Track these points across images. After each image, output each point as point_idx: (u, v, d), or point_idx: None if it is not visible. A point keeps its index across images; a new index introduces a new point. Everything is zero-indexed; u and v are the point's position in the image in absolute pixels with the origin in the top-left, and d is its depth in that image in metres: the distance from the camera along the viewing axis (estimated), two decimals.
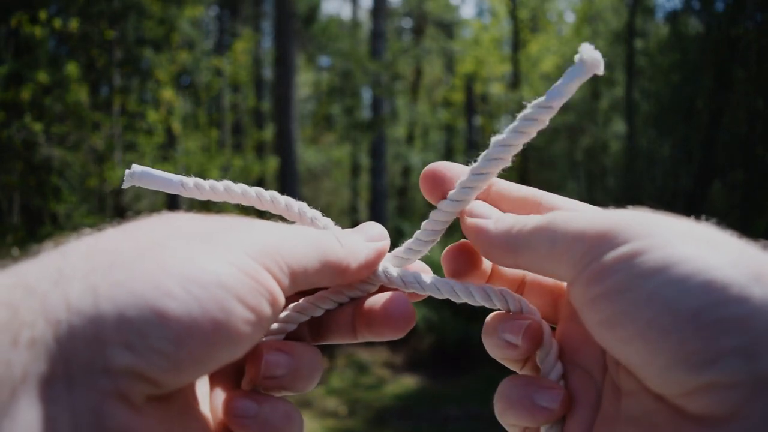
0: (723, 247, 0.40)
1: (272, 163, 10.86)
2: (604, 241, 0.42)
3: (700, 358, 0.36)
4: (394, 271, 0.57)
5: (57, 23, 6.40)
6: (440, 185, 0.59)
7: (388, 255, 0.59)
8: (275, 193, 0.60)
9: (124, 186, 0.57)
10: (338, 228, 0.59)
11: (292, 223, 0.58)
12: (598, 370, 0.50)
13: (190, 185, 0.57)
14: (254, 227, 0.45)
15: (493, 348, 0.55)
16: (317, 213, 0.59)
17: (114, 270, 0.38)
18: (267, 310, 0.42)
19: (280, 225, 0.48)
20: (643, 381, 0.41)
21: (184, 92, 10.40)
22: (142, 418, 0.37)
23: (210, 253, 0.40)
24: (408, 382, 8.73)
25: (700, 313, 0.37)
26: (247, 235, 0.44)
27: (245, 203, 0.59)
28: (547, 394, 0.49)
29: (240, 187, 0.59)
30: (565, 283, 0.55)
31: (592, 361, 0.50)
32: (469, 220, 0.55)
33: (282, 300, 0.44)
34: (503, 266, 0.57)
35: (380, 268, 0.57)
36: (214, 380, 0.51)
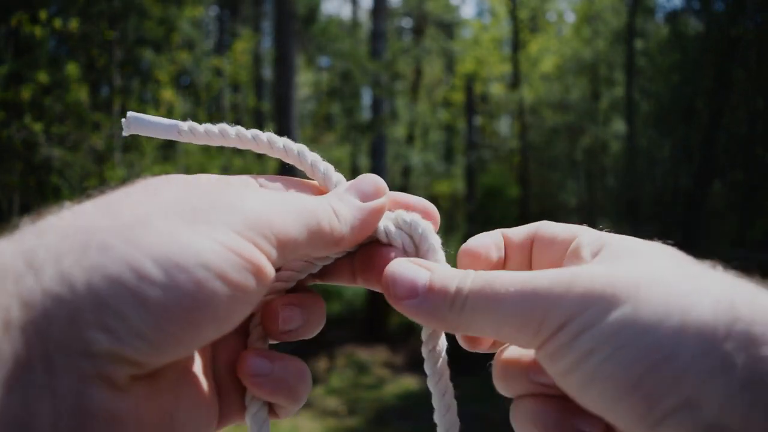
0: (648, 301, 0.40)
1: (272, 163, 10.86)
2: (552, 319, 0.42)
3: (650, 420, 0.38)
4: (395, 232, 0.54)
5: (57, 23, 6.40)
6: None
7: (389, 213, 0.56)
8: (272, 135, 0.58)
9: (124, 134, 0.56)
10: (338, 174, 0.57)
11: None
12: None
13: (185, 129, 0.56)
14: (242, 197, 0.44)
15: (515, 392, 0.53)
16: (317, 157, 0.57)
17: (89, 252, 0.37)
18: (252, 284, 0.41)
19: (270, 194, 0.48)
20: None
21: (184, 92, 10.40)
22: (127, 398, 0.37)
23: (191, 230, 0.40)
24: (408, 382, 8.73)
25: (639, 383, 0.38)
26: (233, 207, 0.43)
27: (241, 146, 0.58)
28: (588, 419, 0.47)
29: (236, 129, 0.58)
30: None
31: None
32: (400, 305, 0.51)
33: (270, 272, 0.43)
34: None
35: (381, 226, 0.54)
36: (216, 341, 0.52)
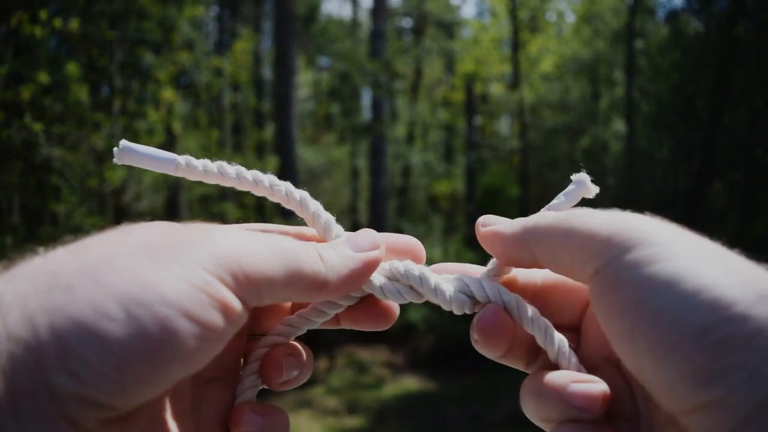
0: (730, 264, 0.40)
1: (272, 163, 10.86)
2: (615, 243, 0.42)
3: (705, 374, 0.36)
4: (391, 286, 0.53)
5: (57, 23, 6.40)
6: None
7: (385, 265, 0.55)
8: (274, 179, 0.56)
9: (115, 161, 0.54)
10: (338, 226, 0.56)
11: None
12: (635, 414, 0.48)
13: (182, 164, 0.54)
14: (213, 235, 0.43)
15: (547, 418, 0.49)
16: (319, 206, 0.56)
17: (53, 293, 0.37)
18: (218, 322, 0.40)
19: (246, 233, 0.46)
20: (654, 397, 0.41)
21: (184, 92, 10.40)
22: None
23: (156, 268, 0.39)
24: (408, 382, 8.73)
25: (706, 330, 0.37)
26: (204, 246, 0.42)
27: (239, 188, 0.56)
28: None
29: (235, 169, 0.56)
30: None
31: (629, 406, 0.49)
32: (483, 229, 0.54)
33: (237, 309, 0.42)
34: (521, 267, 0.54)
35: (376, 281, 0.53)
36: (205, 386, 0.52)
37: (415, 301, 0.54)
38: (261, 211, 15.04)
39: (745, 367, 0.36)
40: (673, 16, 13.09)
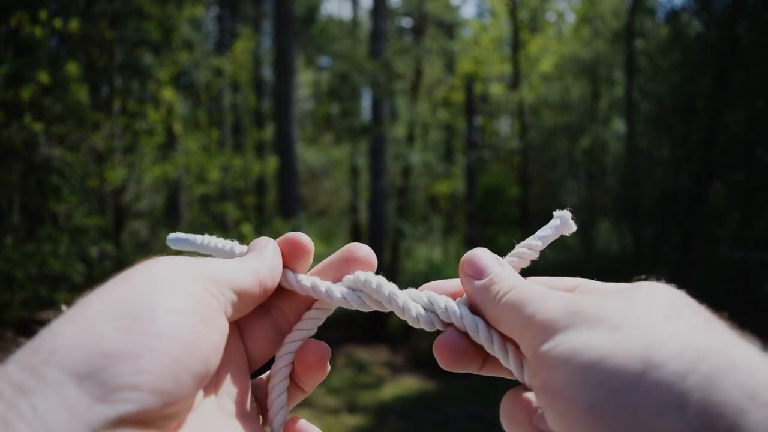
0: (624, 330, 0.41)
1: (272, 163, 10.86)
2: (540, 334, 0.45)
3: None
4: (307, 281, 0.58)
5: (57, 23, 6.40)
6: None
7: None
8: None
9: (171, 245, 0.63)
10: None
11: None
12: None
13: (236, 252, 0.62)
14: (173, 259, 0.48)
15: None
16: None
17: (46, 342, 0.38)
18: (210, 316, 0.46)
19: (190, 259, 0.51)
20: None
21: (184, 92, 10.40)
22: None
23: (131, 289, 0.43)
24: (408, 382, 8.73)
25: (595, 407, 0.38)
26: (170, 264, 0.47)
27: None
28: None
29: (326, 286, 0.60)
30: None
31: None
32: (463, 278, 0.57)
33: (221, 310, 0.48)
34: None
35: (338, 293, 0.58)
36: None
37: (377, 309, 0.58)
38: (261, 211, 15.04)
39: None
40: (673, 16, 13.09)
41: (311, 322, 0.59)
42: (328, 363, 0.58)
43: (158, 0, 7.97)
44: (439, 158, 19.25)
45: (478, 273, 0.55)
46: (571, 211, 0.61)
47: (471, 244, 16.87)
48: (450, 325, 0.56)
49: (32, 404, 0.35)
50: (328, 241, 16.13)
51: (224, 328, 0.48)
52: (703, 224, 10.37)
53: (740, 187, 10.48)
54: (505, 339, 0.53)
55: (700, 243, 10.52)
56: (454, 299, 0.57)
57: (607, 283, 0.54)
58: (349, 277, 0.58)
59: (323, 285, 0.58)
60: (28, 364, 0.37)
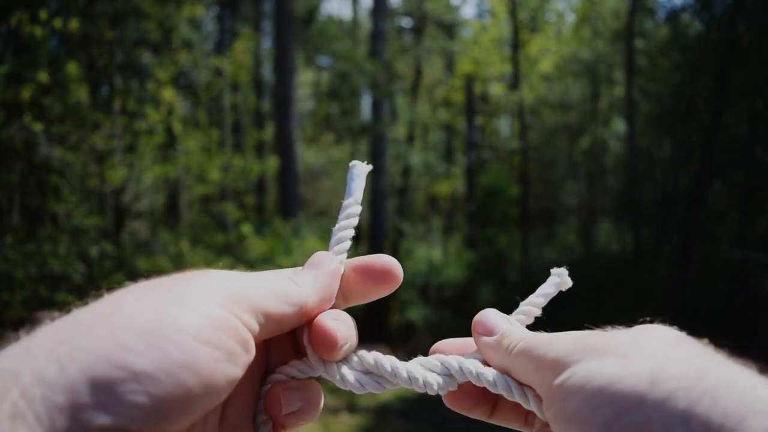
0: (631, 358, 0.45)
1: (272, 163, 10.86)
2: (552, 370, 0.49)
3: None
4: (368, 379, 0.58)
5: (57, 23, 6.39)
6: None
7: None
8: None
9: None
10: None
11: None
12: None
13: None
14: (212, 275, 0.48)
15: None
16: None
17: (75, 337, 0.39)
18: (233, 347, 0.44)
19: (234, 273, 0.51)
20: None
21: (184, 92, 10.40)
22: None
23: (167, 303, 0.43)
24: None
25: (609, 424, 0.42)
26: (205, 282, 0.46)
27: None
28: None
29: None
30: None
31: None
32: (477, 338, 0.60)
33: (251, 341, 0.47)
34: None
35: (351, 377, 0.58)
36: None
37: (393, 388, 0.59)
38: (261, 211, 15.05)
39: None
40: (673, 16, 13.09)
41: (298, 372, 0.57)
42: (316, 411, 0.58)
43: (158, 0, 7.97)
44: (439, 158, 19.25)
45: (489, 331, 0.59)
46: (568, 270, 0.65)
47: (471, 244, 16.87)
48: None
49: (45, 395, 0.36)
50: (328, 241, 16.08)
51: (247, 362, 0.47)
52: (703, 224, 10.37)
53: (740, 187, 10.48)
54: (522, 384, 0.57)
55: (700, 243, 10.52)
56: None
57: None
58: (355, 359, 0.58)
59: (336, 372, 0.57)
60: (55, 353, 0.38)
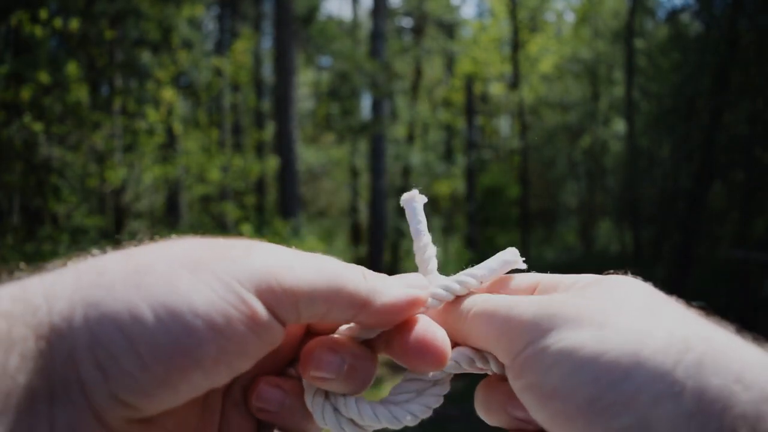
0: (611, 328, 0.42)
1: (272, 163, 10.85)
2: (519, 338, 0.46)
3: None
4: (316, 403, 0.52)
5: (57, 23, 6.39)
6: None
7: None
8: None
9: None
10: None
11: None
12: None
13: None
14: (255, 251, 0.44)
15: (496, 422, 0.54)
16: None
17: (94, 288, 0.39)
18: (243, 334, 0.41)
19: (286, 250, 0.46)
20: None
21: (184, 92, 10.40)
22: None
23: (191, 279, 0.41)
24: None
25: (593, 401, 0.40)
26: (242, 260, 0.43)
27: None
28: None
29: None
30: None
31: None
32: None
33: (266, 322, 0.42)
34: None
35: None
36: (235, 408, 0.52)
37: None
38: (261, 211, 15.04)
39: (634, 426, 0.38)
40: (673, 16, 13.09)
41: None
42: None
43: (157, 0, 7.97)
44: (439, 158, 19.26)
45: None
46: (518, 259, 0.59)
47: (471, 244, 16.86)
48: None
49: (51, 341, 0.37)
50: (328, 241, 16.11)
51: (262, 353, 0.44)
52: (703, 224, 10.37)
53: (740, 187, 10.48)
54: (480, 351, 0.53)
55: (700, 243, 10.52)
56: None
57: (565, 276, 0.54)
58: (342, 402, 0.52)
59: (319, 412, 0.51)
60: (71, 300, 0.38)
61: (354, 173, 18.73)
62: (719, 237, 11.19)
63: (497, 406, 0.52)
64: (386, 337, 0.53)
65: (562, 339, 0.43)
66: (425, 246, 0.59)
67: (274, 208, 14.28)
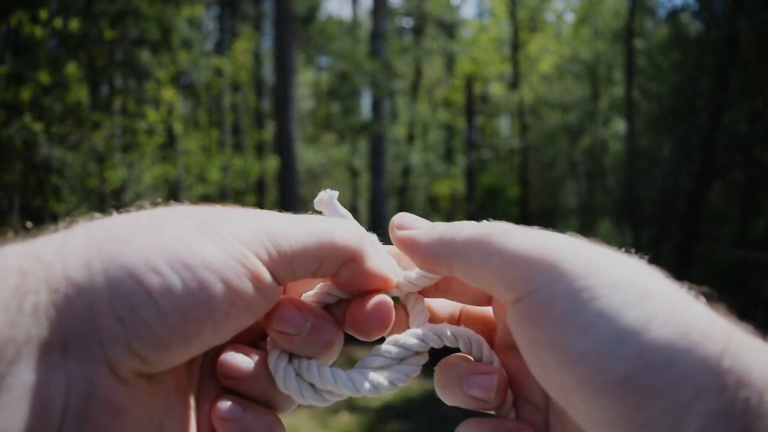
0: (655, 301, 0.38)
1: (272, 163, 10.86)
2: (538, 272, 0.41)
3: (630, 422, 0.36)
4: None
5: (57, 23, 6.39)
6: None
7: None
8: None
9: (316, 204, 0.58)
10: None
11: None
12: (542, 400, 0.50)
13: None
14: (251, 215, 0.47)
15: (453, 401, 0.53)
16: None
17: (109, 243, 0.40)
18: (250, 290, 0.43)
19: (281, 214, 0.49)
20: (579, 425, 0.41)
21: (184, 92, 10.40)
22: (129, 392, 0.40)
23: (200, 237, 0.43)
24: None
25: (629, 378, 0.36)
26: (242, 222, 0.45)
27: None
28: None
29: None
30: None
31: (535, 393, 0.50)
32: (398, 233, 0.53)
33: (269, 281, 0.45)
34: (441, 275, 0.53)
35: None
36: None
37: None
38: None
39: (667, 416, 0.36)
40: (673, 15, 13.09)
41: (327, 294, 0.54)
42: None
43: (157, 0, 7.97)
44: (439, 158, 19.26)
45: (415, 225, 0.52)
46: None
47: None
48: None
49: (68, 294, 0.38)
50: None
51: (265, 307, 0.46)
52: (703, 224, 10.37)
53: (740, 187, 10.48)
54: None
55: (700, 243, 10.52)
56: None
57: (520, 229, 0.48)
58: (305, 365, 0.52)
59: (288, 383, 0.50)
60: (86, 255, 0.39)
61: (354, 173, 18.73)
62: (719, 237, 11.19)
63: (453, 385, 0.51)
64: (345, 306, 0.54)
65: (602, 296, 0.38)
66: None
67: (274, 208, 14.24)
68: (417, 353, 0.53)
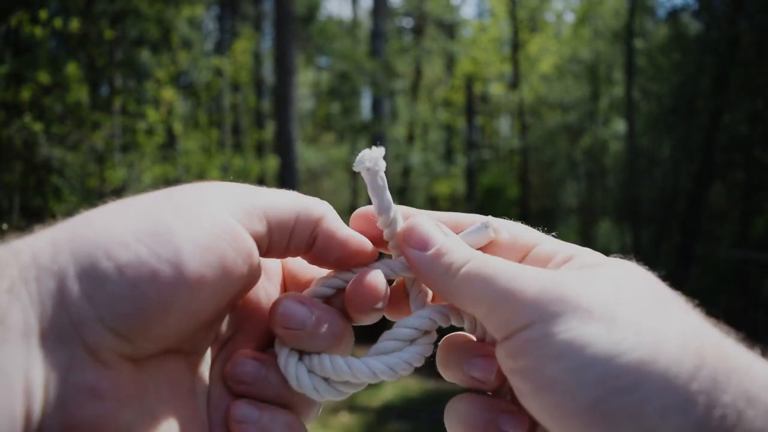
0: (627, 326, 0.40)
1: (272, 163, 10.86)
2: (521, 315, 0.43)
3: None
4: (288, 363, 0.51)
5: (57, 23, 6.39)
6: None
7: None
8: None
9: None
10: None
11: None
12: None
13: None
14: (220, 186, 0.47)
15: (452, 378, 0.54)
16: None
17: (77, 225, 0.40)
18: (222, 247, 0.42)
19: (248, 185, 0.49)
20: None
21: (184, 92, 10.40)
22: (111, 375, 0.38)
23: (172, 207, 0.42)
24: (408, 382, 8.73)
25: (597, 404, 0.38)
26: (212, 192, 0.45)
27: None
28: (511, 420, 0.48)
29: None
30: None
31: None
32: (405, 250, 0.52)
33: (244, 237, 0.44)
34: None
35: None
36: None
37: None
38: None
39: None
40: (673, 16, 13.09)
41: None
42: None
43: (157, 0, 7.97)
44: (439, 158, 19.26)
45: (423, 243, 0.51)
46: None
47: None
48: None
49: (38, 277, 0.38)
50: None
51: (246, 274, 0.45)
52: (703, 224, 10.37)
53: (740, 187, 10.48)
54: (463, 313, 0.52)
55: (700, 243, 10.52)
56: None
57: (562, 245, 0.50)
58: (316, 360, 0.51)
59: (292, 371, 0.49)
60: (54, 239, 0.39)
61: (354, 173, 18.70)
62: (719, 237, 11.19)
63: (455, 364, 0.52)
64: (342, 296, 0.53)
65: (571, 329, 0.40)
66: (394, 221, 0.54)
67: None
68: (426, 332, 0.53)
